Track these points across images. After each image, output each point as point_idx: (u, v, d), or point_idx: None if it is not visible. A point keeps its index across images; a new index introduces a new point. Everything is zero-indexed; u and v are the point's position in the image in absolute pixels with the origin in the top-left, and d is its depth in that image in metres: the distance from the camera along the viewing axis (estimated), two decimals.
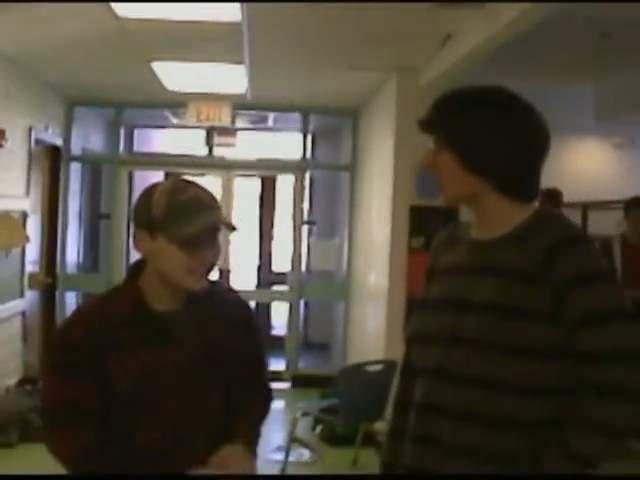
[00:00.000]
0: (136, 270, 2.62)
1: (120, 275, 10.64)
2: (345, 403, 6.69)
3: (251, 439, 2.71)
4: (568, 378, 2.22)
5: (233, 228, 2.58)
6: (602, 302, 2.19)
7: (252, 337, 2.81)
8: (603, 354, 2.16)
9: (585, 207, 9.74)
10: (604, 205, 9.73)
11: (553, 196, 9.75)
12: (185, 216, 2.43)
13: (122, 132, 11.13)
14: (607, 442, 2.17)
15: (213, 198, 2.57)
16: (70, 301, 10.86)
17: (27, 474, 6.19)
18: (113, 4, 5.64)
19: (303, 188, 11.07)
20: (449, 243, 2.54)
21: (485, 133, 2.33)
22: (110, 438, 2.51)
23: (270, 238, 14.20)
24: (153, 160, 12.54)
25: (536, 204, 2.44)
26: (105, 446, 2.51)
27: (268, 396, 2.91)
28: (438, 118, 2.40)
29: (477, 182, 2.35)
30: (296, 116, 10.91)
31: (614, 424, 2.15)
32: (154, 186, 2.53)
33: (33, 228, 9.19)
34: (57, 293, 10.31)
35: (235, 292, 2.88)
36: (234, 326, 2.70)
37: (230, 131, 11.39)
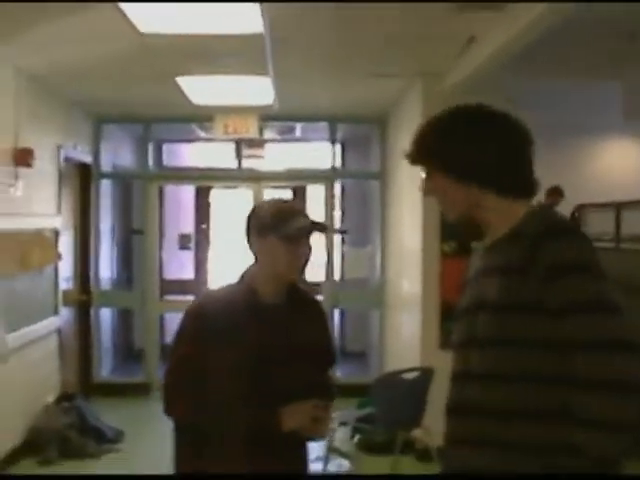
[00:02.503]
0: (248, 272, 3.24)
1: (154, 290, 10.69)
2: (382, 412, 6.67)
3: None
4: (560, 368, 2.29)
5: (324, 228, 3.30)
6: (580, 293, 2.26)
7: (327, 332, 3.45)
8: (578, 345, 2.23)
9: (618, 207, 9.63)
10: (638, 205, 9.62)
11: (556, 193, 9.90)
12: (288, 218, 3.09)
13: (151, 147, 11.20)
14: (602, 437, 2.21)
15: (303, 208, 3.29)
16: (105, 317, 10.92)
17: None
18: (135, 21, 5.65)
19: (334, 197, 11.07)
20: (475, 254, 2.70)
21: (468, 144, 2.50)
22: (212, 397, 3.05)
23: None
24: (183, 174, 12.59)
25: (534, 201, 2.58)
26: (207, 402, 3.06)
27: (333, 383, 3.52)
28: (420, 148, 2.59)
29: (476, 191, 2.52)
30: (324, 125, 10.90)
31: (603, 417, 2.20)
32: (258, 204, 3.30)
33: (65, 245, 9.24)
34: (92, 309, 10.36)
35: (310, 294, 3.50)
36: (315, 320, 3.35)
37: (259, 143, 11.42)
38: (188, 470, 3.17)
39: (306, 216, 3.16)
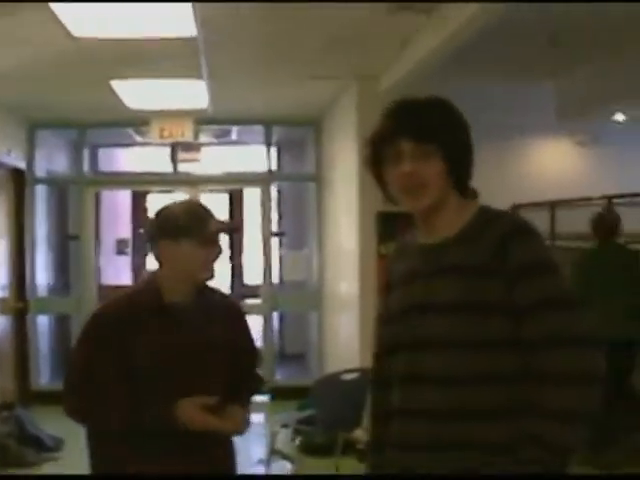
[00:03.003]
0: (153, 275, 3.25)
1: (92, 295, 10.60)
2: (322, 413, 6.68)
3: (246, 405, 3.34)
4: (524, 365, 2.30)
5: (237, 229, 3.45)
6: (548, 291, 2.29)
7: (246, 331, 3.48)
8: (546, 341, 2.26)
9: (553, 206, 9.75)
10: (572, 203, 9.76)
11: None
12: (203, 221, 3.13)
13: (86, 152, 11.10)
14: (568, 429, 2.22)
15: (210, 210, 3.24)
16: (42, 324, 10.79)
17: None
18: (68, 25, 5.60)
19: (270, 200, 11.06)
20: (400, 254, 2.64)
21: (466, 143, 2.47)
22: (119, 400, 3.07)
23: (240, 251, 14.16)
24: (119, 179, 12.52)
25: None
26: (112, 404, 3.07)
27: (259, 380, 3.60)
28: (426, 127, 2.40)
29: (448, 187, 2.44)
30: (259, 128, 10.89)
31: (566, 410, 2.22)
32: (165, 207, 3.20)
33: (0, 253, 9.12)
34: (29, 317, 10.24)
35: (227, 296, 3.59)
36: (231, 320, 3.35)
37: (194, 146, 11.35)
38: (102, 470, 3.18)
39: (214, 217, 3.20)
